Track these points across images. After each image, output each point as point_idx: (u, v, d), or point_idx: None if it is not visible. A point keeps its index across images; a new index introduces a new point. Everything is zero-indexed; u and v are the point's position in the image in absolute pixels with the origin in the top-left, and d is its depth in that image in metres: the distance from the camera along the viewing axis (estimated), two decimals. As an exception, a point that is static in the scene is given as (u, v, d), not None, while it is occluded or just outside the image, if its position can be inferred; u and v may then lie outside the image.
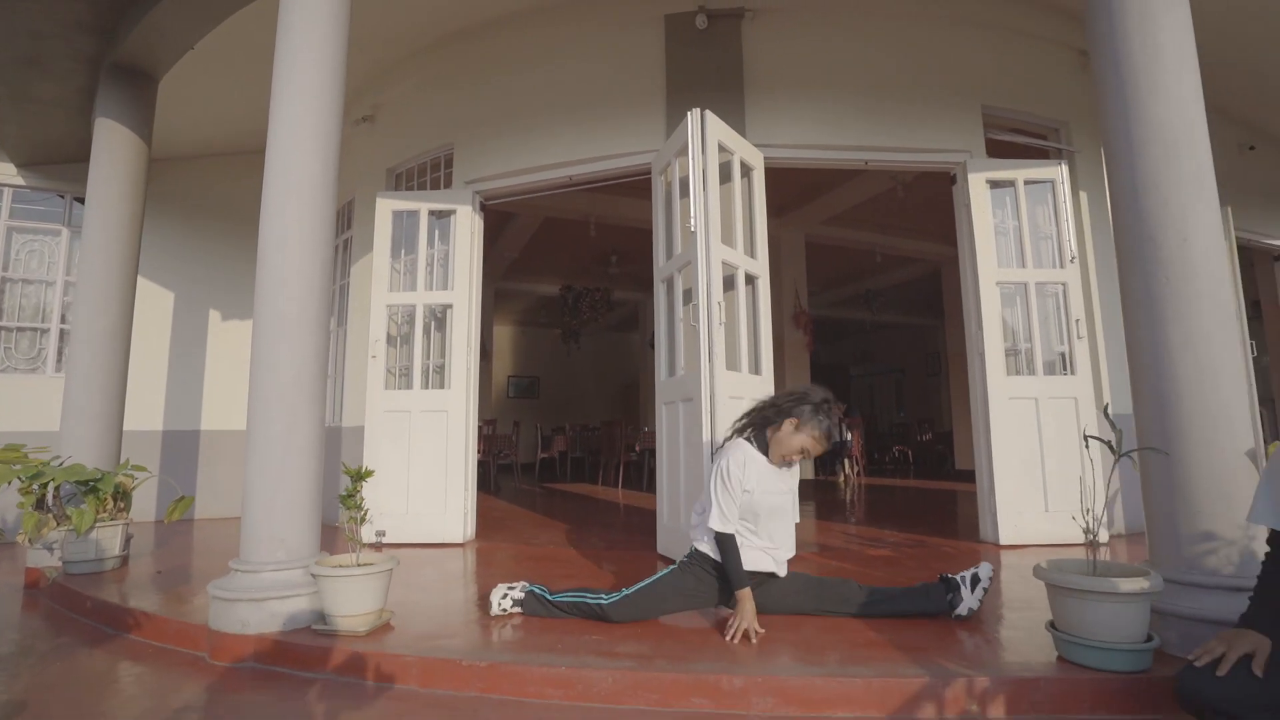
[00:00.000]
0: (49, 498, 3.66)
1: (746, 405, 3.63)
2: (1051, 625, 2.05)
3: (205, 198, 6.53)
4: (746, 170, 4.06)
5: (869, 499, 7.52)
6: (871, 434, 14.89)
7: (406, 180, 5.34)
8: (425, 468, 4.40)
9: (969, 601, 2.45)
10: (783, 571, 2.60)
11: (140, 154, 4.66)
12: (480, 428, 7.22)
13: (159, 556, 4.15)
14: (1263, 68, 5.54)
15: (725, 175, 3.81)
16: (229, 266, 6.50)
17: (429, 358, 4.67)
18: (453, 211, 4.69)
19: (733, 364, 3.64)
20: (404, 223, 4.76)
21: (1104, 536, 3.88)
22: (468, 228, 4.65)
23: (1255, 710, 1.53)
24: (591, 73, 4.54)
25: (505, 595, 2.63)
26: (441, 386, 4.53)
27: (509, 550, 4.19)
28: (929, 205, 7.63)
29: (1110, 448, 1.97)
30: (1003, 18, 4.59)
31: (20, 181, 6.20)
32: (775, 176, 4.33)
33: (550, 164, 4.50)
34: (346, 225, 5.84)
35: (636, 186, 4.89)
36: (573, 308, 11.39)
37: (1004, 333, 4.11)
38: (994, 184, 4.28)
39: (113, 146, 4.56)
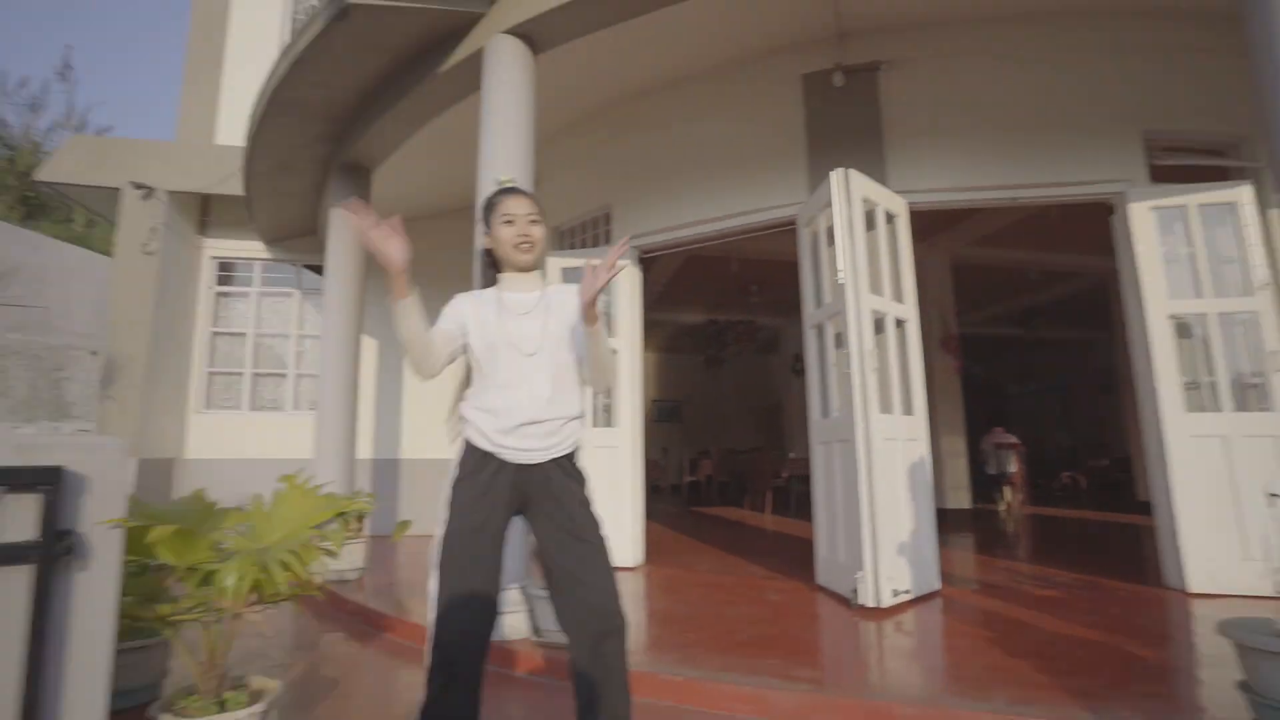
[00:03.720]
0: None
1: (901, 447, 3.84)
2: (1243, 685, 2.08)
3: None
4: (890, 218, 4.23)
5: (1032, 531, 7.17)
6: (1035, 458, 13.86)
7: (569, 238, 5.99)
8: (599, 498, 4.92)
9: None
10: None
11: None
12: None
13: (387, 569, 5.00)
14: None
15: (869, 223, 4.02)
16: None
17: (595, 398, 5.21)
18: (615, 267, 5.24)
19: (886, 406, 3.82)
20: (568, 279, 5.36)
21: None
22: (629, 280, 5.17)
23: None
24: (737, 133, 4.92)
25: None
26: (609, 425, 5.05)
27: (676, 576, 4.58)
28: (1091, 217, 7.20)
29: (1286, 505, 2.00)
30: (1160, 36, 4.42)
31: (267, 255, 7.65)
32: (919, 212, 4.45)
33: (701, 220, 4.92)
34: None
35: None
36: (717, 339, 11.70)
37: (1180, 367, 3.95)
38: (1161, 210, 4.13)
39: (342, 231, 5.58)
